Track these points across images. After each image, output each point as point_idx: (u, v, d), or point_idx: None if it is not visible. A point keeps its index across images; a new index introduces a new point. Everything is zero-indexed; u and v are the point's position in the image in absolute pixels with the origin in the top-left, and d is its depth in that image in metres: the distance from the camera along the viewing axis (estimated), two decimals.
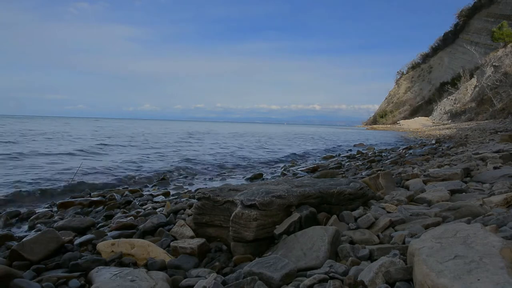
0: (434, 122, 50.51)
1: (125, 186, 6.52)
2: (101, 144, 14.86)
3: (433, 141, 16.40)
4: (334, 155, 13.26)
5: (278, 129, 60.42)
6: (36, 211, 4.42)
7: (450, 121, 46.64)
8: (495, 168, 4.23)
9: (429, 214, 2.52)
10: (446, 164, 5.29)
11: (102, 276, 1.94)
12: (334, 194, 2.70)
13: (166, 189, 6.24)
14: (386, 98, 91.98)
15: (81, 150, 12.04)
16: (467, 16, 66.02)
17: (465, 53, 61.70)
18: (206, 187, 5.78)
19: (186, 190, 6.11)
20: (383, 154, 11.55)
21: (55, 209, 4.71)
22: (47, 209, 4.63)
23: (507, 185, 3.17)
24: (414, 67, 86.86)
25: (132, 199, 5.01)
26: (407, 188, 3.76)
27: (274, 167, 9.88)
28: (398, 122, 62.25)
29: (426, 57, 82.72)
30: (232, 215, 2.36)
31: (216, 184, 6.92)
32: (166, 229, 2.97)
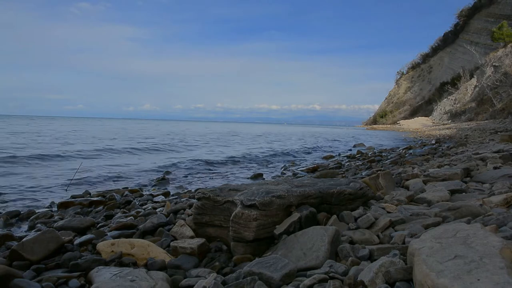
0: (434, 122, 50.49)
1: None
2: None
3: (433, 141, 16.40)
4: (334, 155, 13.27)
5: (307, 129, 61.42)
6: (36, 211, 4.42)
7: (450, 121, 46.62)
8: (495, 168, 4.23)
9: (429, 214, 2.52)
10: (446, 164, 5.29)
11: (102, 276, 1.94)
12: (334, 194, 2.70)
13: (166, 189, 6.25)
14: (386, 98, 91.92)
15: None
16: (467, 16, 65.97)
17: (465, 53, 61.66)
18: (206, 187, 5.79)
19: (186, 190, 6.11)
20: (383, 154, 11.55)
21: (55, 209, 4.71)
22: (47, 209, 4.63)
23: (507, 185, 3.17)
24: (414, 67, 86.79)
25: (132, 199, 5.01)
26: (407, 188, 3.76)
27: (273, 167, 9.88)
28: (398, 122, 62.20)
29: (426, 57, 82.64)
30: (232, 215, 2.36)
31: (216, 184, 6.92)
32: (166, 229, 2.97)
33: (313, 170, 8.31)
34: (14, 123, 37.98)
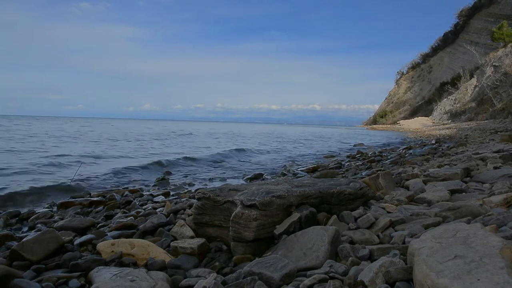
0: (434, 122, 50.49)
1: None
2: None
3: (433, 141, 16.39)
4: (334, 155, 13.27)
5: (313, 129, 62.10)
6: (36, 211, 4.42)
7: (450, 121, 46.61)
8: (495, 168, 4.23)
9: (429, 214, 2.52)
10: (446, 164, 5.29)
11: (102, 276, 1.94)
12: (334, 194, 2.70)
13: (166, 189, 6.25)
14: (386, 98, 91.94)
15: None
16: (467, 16, 66.00)
17: (465, 53, 61.67)
18: (206, 187, 5.77)
19: (186, 190, 6.11)
20: (383, 154, 11.55)
21: (55, 209, 4.71)
22: (47, 209, 4.63)
23: (507, 185, 3.17)
24: (414, 67, 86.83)
25: (132, 199, 5.01)
26: (407, 188, 3.75)
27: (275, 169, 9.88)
28: (398, 122, 62.22)
29: (426, 57, 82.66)
30: (232, 215, 2.36)
31: (216, 184, 6.92)
32: (166, 229, 2.97)
33: (313, 170, 8.31)
34: (38, 125, 37.89)
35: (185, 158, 10.53)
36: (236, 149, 14.02)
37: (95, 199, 4.97)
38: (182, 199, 4.81)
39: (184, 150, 14.39)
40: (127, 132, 28.30)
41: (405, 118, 67.18)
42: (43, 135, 20.48)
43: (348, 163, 9.55)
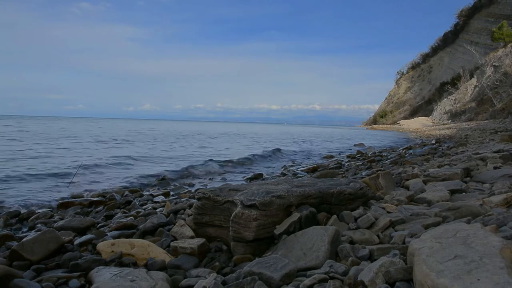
0: (434, 122, 50.48)
1: None
2: None
3: (433, 141, 16.39)
4: (334, 155, 13.28)
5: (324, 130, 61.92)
6: (36, 211, 4.41)
7: (450, 121, 46.60)
8: (495, 168, 4.23)
9: (429, 214, 2.52)
10: (446, 164, 5.29)
11: (102, 276, 1.94)
12: (334, 194, 2.70)
13: (166, 189, 6.25)
14: (386, 98, 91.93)
15: None
16: (467, 16, 65.99)
17: (465, 53, 61.65)
18: (206, 187, 5.76)
19: (186, 190, 6.11)
20: (383, 154, 11.55)
21: (55, 209, 4.71)
22: (47, 209, 4.63)
23: (507, 185, 3.17)
24: (414, 67, 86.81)
25: (132, 199, 5.01)
26: (407, 188, 3.75)
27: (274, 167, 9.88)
28: (398, 122, 62.21)
29: (426, 57, 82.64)
30: (232, 215, 2.36)
31: (216, 184, 6.92)
32: (166, 229, 2.98)
33: (313, 170, 8.31)
34: (50, 125, 37.79)
35: (224, 161, 10.16)
36: (274, 149, 14.08)
37: (95, 199, 4.97)
38: (182, 199, 4.81)
39: (213, 152, 14.21)
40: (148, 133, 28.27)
41: (405, 118, 67.16)
42: (68, 137, 20.32)
43: (348, 163, 9.55)
